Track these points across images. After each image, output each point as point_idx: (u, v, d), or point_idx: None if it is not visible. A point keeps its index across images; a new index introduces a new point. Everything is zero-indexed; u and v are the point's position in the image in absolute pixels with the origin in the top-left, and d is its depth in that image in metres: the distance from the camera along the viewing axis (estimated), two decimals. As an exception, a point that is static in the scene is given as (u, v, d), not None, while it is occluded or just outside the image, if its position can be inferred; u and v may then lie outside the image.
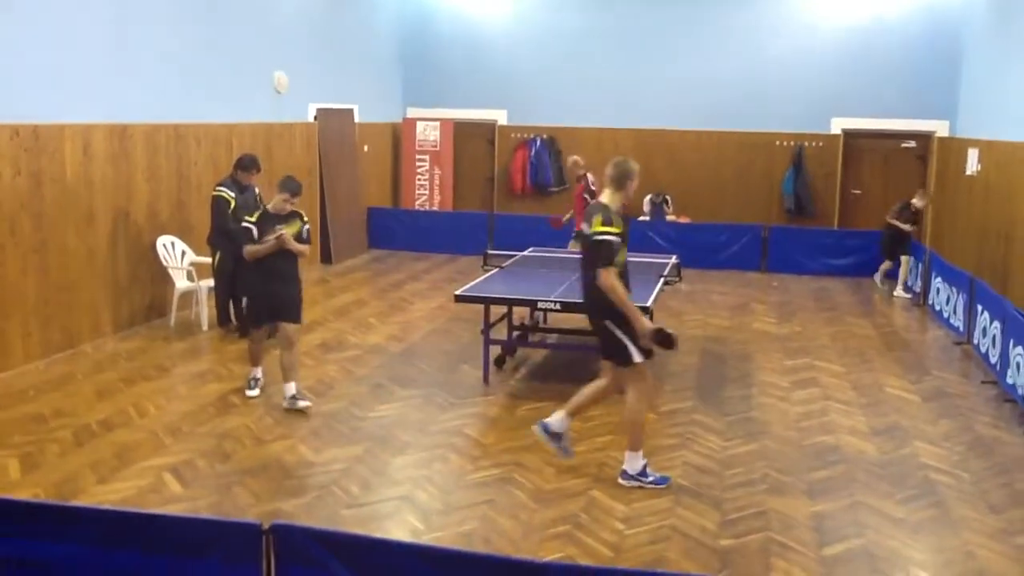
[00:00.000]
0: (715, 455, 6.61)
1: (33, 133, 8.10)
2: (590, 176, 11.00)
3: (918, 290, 12.39)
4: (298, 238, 7.27)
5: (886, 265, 12.95)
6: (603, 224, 5.75)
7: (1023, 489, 6.13)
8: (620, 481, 6.01)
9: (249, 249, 7.20)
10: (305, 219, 7.41)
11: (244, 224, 7.30)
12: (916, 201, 12.82)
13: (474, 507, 5.66)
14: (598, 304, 5.92)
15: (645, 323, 5.85)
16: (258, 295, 7.41)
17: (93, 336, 8.97)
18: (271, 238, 7.10)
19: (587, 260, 5.95)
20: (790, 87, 15.22)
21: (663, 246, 13.61)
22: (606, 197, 5.99)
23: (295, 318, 7.40)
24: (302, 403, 7.27)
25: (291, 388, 7.29)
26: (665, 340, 5.79)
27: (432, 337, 9.65)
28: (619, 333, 5.85)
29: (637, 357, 5.88)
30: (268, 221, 7.21)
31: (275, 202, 7.25)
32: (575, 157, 11.39)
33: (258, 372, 7.73)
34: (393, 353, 9.08)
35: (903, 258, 12.60)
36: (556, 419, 6.09)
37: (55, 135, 8.36)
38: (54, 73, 8.35)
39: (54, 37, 8.33)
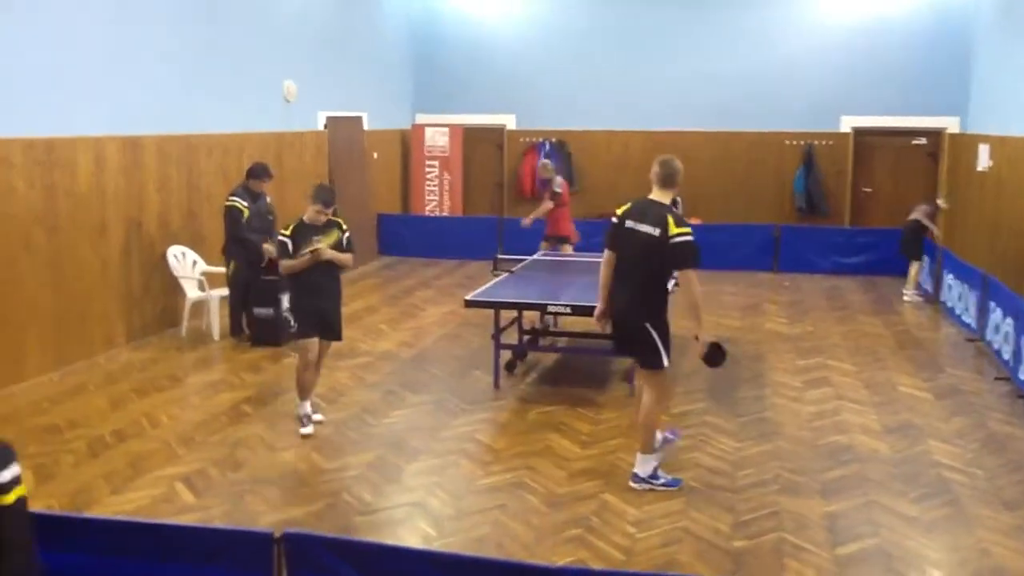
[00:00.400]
0: (728, 456, 6.60)
1: (46, 146, 8.17)
2: (558, 178, 11.10)
3: (930, 289, 12.32)
4: (338, 247, 6.96)
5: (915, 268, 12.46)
6: (678, 225, 5.73)
7: (1038, 486, 6.10)
8: (631, 484, 6.00)
9: (285, 264, 6.89)
10: (344, 227, 7.04)
11: (279, 238, 6.96)
12: (941, 202, 12.86)
13: (486, 512, 5.66)
14: (645, 307, 5.88)
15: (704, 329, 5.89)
16: (308, 313, 6.99)
17: (106, 347, 9.02)
18: (306, 252, 6.78)
19: (644, 262, 5.83)
20: (799, 86, 15.19)
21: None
22: (660, 196, 5.94)
23: (339, 336, 7.23)
24: (317, 417, 7.23)
25: (307, 406, 7.12)
26: (717, 354, 5.82)
27: (443, 343, 9.67)
28: (656, 336, 5.85)
29: (666, 362, 5.91)
30: (304, 233, 6.87)
31: (309, 214, 6.90)
32: (545, 160, 11.76)
33: (307, 407, 7.08)
34: (404, 359, 9.10)
35: (918, 262, 12.42)
36: (640, 465, 5.99)
37: (68, 148, 8.43)
38: (66, 86, 8.41)
39: (65, 51, 8.39)
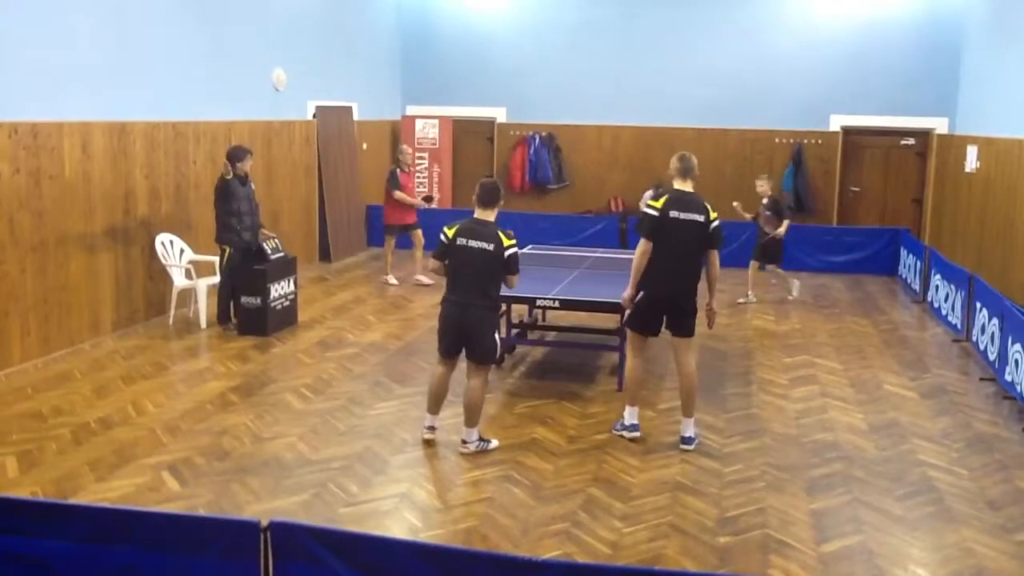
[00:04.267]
0: (714, 452, 6.61)
1: (31, 131, 8.10)
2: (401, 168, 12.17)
3: (795, 292, 11.96)
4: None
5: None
6: (714, 210, 6.56)
7: (1021, 486, 6.13)
8: (683, 444, 6.64)
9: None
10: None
11: (442, 237, 6.53)
12: (736, 205, 11.86)
13: (473, 505, 5.66)
14: (695, 285, 6.64)
15: None
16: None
17: (92, 334, 8.96)
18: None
19: (697, 246, 6.53)
20: (790, 84, 15.21)
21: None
22: (686, 186, 6.63)
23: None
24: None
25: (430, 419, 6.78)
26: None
27: (431, 335, 9.53)
28: (696, 306, 6.70)
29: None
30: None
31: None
32: (404, 145, 12.86)
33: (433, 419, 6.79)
34: (392, 351, 9.08)
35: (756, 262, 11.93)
36: (688, 428, 6.74)
37: (54, 133, 8.35)
38: (52, 71, 8.34)
39: (52, 35, 8.32)
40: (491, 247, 6.27)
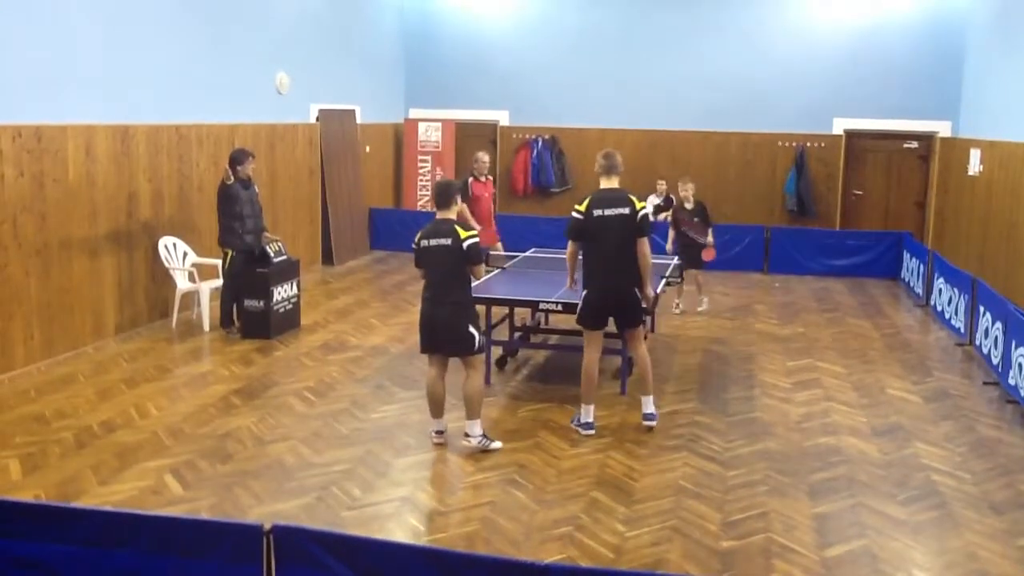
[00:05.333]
0: (717, 456, 6.60)
1: (35, 134, 8.11)
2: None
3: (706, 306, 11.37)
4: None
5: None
6: (639, 200, 6.89)
7: (1025, 490, 6.12)
8: (645, 421, 7.02)
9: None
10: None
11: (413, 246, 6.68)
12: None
13: (475, 508, 5.66)
14: (634, 274, 6.87)
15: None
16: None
17: (95, 337, 8.97)
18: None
19: (628, 236, 6.78)
20: (792, 88, 15.21)
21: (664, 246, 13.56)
22: (610, 183, 6.96)
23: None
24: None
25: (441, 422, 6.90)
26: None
27: (434, 338, 9.62)
28: (639, 296, 6.94)
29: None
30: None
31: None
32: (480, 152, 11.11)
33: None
34: (394, 354, 9.08)
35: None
36: (648, 405, 7.09)
37: (57, 136, 8.37)
38: (55, 74, 8.35)
39: (55, 38, 8.34)
40: (449, 241, 6.44)
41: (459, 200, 6.79)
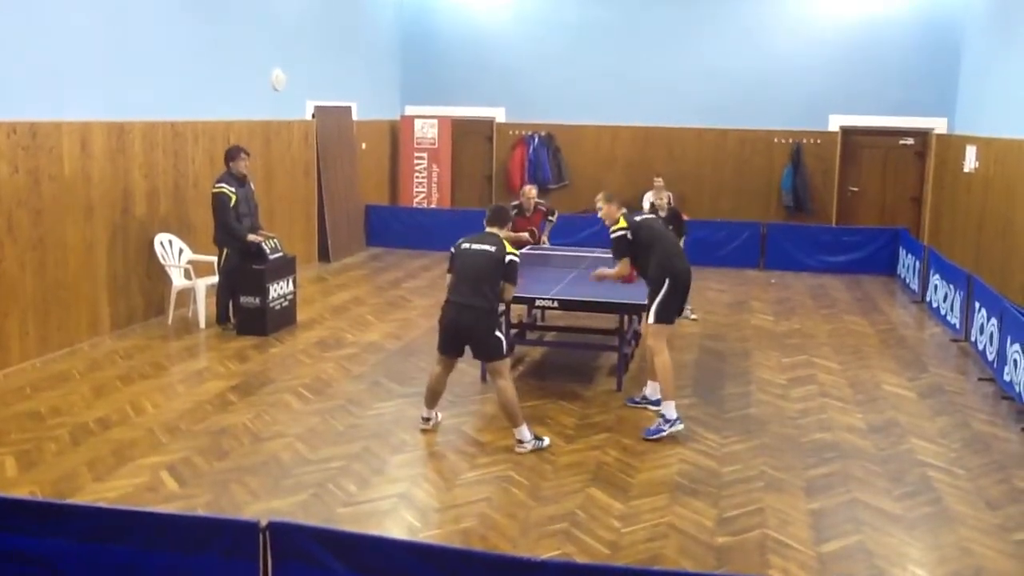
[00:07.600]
0: (713, 452, 6.61)
1: (30, 130, 8.09)
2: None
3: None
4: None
5: None
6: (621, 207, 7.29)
7: (1020, 485, 6.13)
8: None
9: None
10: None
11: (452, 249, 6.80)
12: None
13: (471, 505, 5.66)
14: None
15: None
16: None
17: (90, 334, 8.96)
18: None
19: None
20: (789, 84, 15.21)
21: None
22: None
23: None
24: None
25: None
26: None
27: (430, 335, 9.59)
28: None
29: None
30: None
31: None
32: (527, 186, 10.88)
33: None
34: (391, 351, 9.08)
35: None
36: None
37: (52, 132, 8.35)
38: (51, 70, 8.33)
39: (51, 34, 8.31)
40: (493, 249, 6.53)
41: (510, 226, 6.97)
